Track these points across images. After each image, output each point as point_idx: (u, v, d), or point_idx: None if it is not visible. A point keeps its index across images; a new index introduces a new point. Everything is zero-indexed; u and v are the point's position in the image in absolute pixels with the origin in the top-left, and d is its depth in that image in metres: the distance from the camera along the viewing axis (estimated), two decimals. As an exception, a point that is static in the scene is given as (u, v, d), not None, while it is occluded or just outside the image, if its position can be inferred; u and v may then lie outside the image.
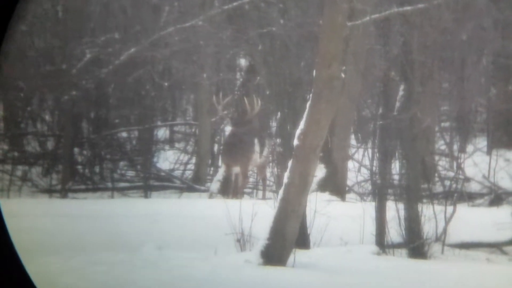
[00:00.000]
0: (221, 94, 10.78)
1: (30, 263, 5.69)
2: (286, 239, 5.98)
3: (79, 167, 12.37)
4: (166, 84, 12.62)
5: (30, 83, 12.79)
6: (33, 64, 12.87)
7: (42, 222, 7.50)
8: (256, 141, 10.67)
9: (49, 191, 11.78)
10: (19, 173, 12.14)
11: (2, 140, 13.03)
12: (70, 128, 12.19)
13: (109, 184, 12.07)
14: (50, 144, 12.92)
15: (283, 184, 6.04)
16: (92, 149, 12.47)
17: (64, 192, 11.64)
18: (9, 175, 11.93)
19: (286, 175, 6.02)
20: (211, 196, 11.23)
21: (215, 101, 10.69)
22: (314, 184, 9.40)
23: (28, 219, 7.50)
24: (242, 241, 6.71)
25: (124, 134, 13.26)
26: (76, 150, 12.46)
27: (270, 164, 10.90)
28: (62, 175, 11.98)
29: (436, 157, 12.37)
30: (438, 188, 10.98)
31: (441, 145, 13.07)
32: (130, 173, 12.72)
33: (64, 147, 12.20)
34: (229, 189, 10.83)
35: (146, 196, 11.81)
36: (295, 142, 5.99)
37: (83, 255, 6.16)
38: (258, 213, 6.63)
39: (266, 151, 10.75)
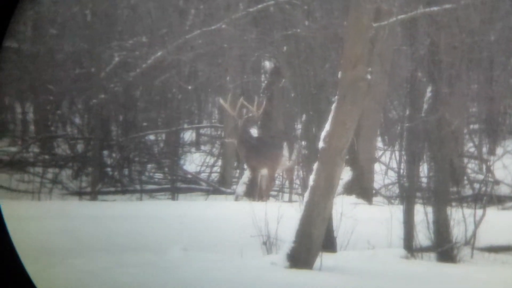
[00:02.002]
0: (229, 96, 10.76)
1: (60, 264, 5.79)
2: (312, 242, 5.94)
3: (108, 169, 12.51)
4: (191, 87, 12.68)
5: (60, 87, 12.99)
6: (63, 68, 13.06)
7: (72, 224, 7.60)
8: (285, 144, 10.66)
9: (79, 193, 11.94)
10: (49, 175, 12.33)
11: (33, 143, 13.25)
12: (99, 131, 12.34)
13: (138, 187, 12.19)
14: (80, 147, 13.11)
15: (309, 187, 6.01)
16: (120, 151, 12.60)
17: (93, 195, 11.78)
18: (40, 177, 12.12)
19: (311, 178, 5.99)
20: (237, 198, 11.25)
21: (224, 104, 10.67)
22: (340, 187, 9.35)
23: (59, 222, 7.61)
24: (268, 244, 6.69)
25: (152, 137, 13.39)
26: (105, 152, 12.61)
27: (297, 167, 10.88)
28: (91, 178, 12.13)
29: (465, 160, 12.20)
30: (467, 191, 10.83)
31: (470, 147, 12.89)
32: (158, 176, 12.82)
33: (94, 149, 12.35)
34: (255, 191, 10.83)
35: (173, 198, 11.89)
36: (321, 144, 5.96)
37: (112, 256, 6.23)
38: (284, 216, 6.61)
39: (294, 155, 10.73)
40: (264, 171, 10.72)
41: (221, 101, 10.91)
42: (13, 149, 13.32)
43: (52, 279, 5.37)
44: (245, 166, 11.27)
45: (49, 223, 7.45)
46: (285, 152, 10.65)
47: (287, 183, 11.37)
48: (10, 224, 7.16)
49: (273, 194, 11.67)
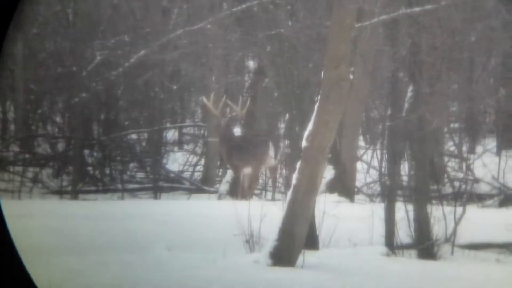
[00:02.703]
0: (212, 95, 10.75)
1: (41, 264, 5.75)
2: (295, 240, 5.99)
3: (90, 168, 12.45)
4: (175, 86, 12.67)
5: (41, 85, 12.89)
6: (44, 67, 12.96)
7: (53, 223, 7.55)
8: (270, 144, 10.68)
9: (60, 192, 11.87)
10: (30, 174, 12.24)
11: (13, 142, 13.14)
12: (81, 130, 12.27)
13: (119, 186, 12.14)
14: (60, 146, 13.03)
15: (292, 185, 6.05)
16: (102, 150, 12.55)
17: (74, 194, 11.72)
18: (20, 176, 12.02)
19: (294, 176, 6.03)
20: (220, 197, 11.26)
21: (208, 103, 10.65)
22: (322, 186, 9.41)
23: (39, 220, 7.56)
24: (251, 242, 6.73)
25: (134, 136, 13.34)
26: (86, 151, 12.54)
27: (280, 166, 10.91)
28: (72, 177, 12.07)
29: (445, 158, 12.33)
30: (447, 189, 10.94)
31: (450, 146, 13.03)
32: (140, 175, 12.79)
33: (75, 148, 12.28)
34: (238, 190, 10.85)
35: (155, 198, 11.87)
36: (303, 143, 6.01)
37: (94, 256, 6.21)
38: (267, 214, 6.65)
39: (279, 154, 10.75)
40: (247, 170, 10.74)
41: (204, 100, 10.90)
42: (-7, 148, 13.21)
43: (33, 277, 5.33)
44: (228, 165, 11.29)
45: (29, 223, 7.39)
46: (271, 151, 10.67)
47: (270, 181, 11.40)
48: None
49: (256, 193, 11.70)
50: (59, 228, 7.33)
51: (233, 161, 10.80)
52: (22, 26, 13.20)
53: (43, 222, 7.49)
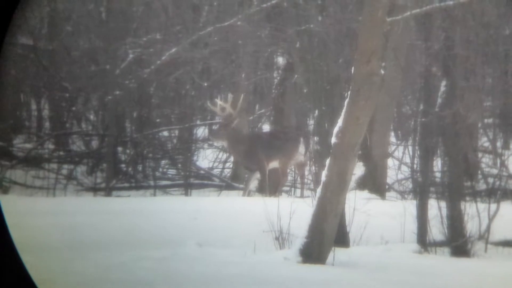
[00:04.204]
0: (221, 94, 10.65)
1: (78, 259, 5.84)
2: (325, 237, 5.94)
3: (123, 165, 12.58)
4: (205, 83, 12.70)
5: (75, 83, 13.08)
6: (78, 65, 13.14)
7: (87, 219, 7.65)
8: (301, 140, 10.62)
9: (94, 189, 12.01)
10: (64, 171, 12.43)
11: (48, 140, 13.36)
12: (114, 127, 12.40)
13: (151, 182, 12.25)
14: (94, 143, 13.20)
15: (321, 182, 6.00)
16: (134, 148, 12.67)
17: (108, 190, 11.84)
18: (55, 173, 12.22)
19: (324, 173, 5.98)
20: (249, 194, 11.26)
21: (219, 101, 10.58)
22: (352, 182, 9.31)
23: (74, 217, 7.67)
24: (281, 239, 6.71)
25: (165, 133, 13.44)
26: (119, 149, 12.68)
27: (309, 162, 10.84)
28: (106, 174, 12.20)
29: (479, 154, 12.12)
30: (481, 185, 10.76)
31: (484, 141, 12.80)
32: (171, 172, 12.88)
33: (108, 146, 12.42)
34: (264, 187, 10.81)
35: (186, 194, 11.94)
36: (333, 140, 5.95)
37: (129, 251, 6.28)
38: (296, 211, 6.62)
39: (309, 150, 10.68)
40: (274, 164, 10.65)
41: (218, 100, 10.72)
42: (29, 145, 13.44)
43: (70, 274, 5.42)
44: (240, 165, 11.16)
45: (64, 219, 7.51)
46: (302, 146, 10.59)
47: (299, 178, 11.34)
48: (26, 220, 7.26)
49: (285, 190, 11.67)
50: (94, 225, 7.42)
51: (261, 156, 10.65)
52: (56, 24, 13.43)
53: (77, 219, 7.60)
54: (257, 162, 10.70)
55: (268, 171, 10.87)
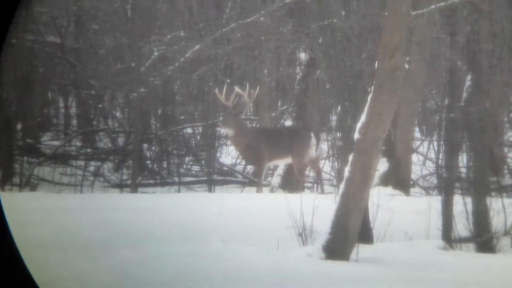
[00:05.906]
0: (225, 87, 10.55)
1: (105, 255, 5.92)
2: (349, 233, 5.92)
3: (148, 162, 12.68)
4: (228, 80, 12.73)
5: (102, 81, 13.22)
6: (104, 63, 13.27)
7: (114, 216, 7.73)
8: (312, 135, 10.50)
9: (120, 185, 12.14)
10: (91, 168, 12.58)
11: (75, 137, 13.53)
12: (139, 124, 12.50)
13: (176, 179, 12.32)
14: (120, 140, 13.33)
15: (344, 178, 5.97)
16: (159, 145, 12.76)
17: (134, 187, 11.95)
18: (82, 170, 12.37)
19: (347, 169, 5.95)
20: (272, 190, 11.25)
21: (220, 95, 10.51)
22: (376, 178, 9.25)
23: (101, 214, 7.75)
24: (304, 235, 6.69)
25: (189, 130, 13.51)
26: (145, 146, 12.78)
27: (324, 158, 10.72)
28: (132, 170, 12.31)
29: (505, 149, 11.93)
30: (507, 180, 10.61)
31: (510, 136, 12.60)
32: (195, 168, 12.94)
33: (134, 143, 12.53)
34: (291, 183, 10.76)
35: (210, 190, 11.99)
36: (356, 135, 5.92)
37: (154, 247, 6.33)
38: (319, 207, 6.60)
39: (320, 146, 10.56)
40: (287, 160, 10.55)
41: (216, 93, 10.68)
42: (56, 142, 13.63)
43: (98, 270, 5.49)
44: (244, 159, 11.06)
45: (91, 215, 7.60)
46: (313, 142, 10.44)
47: (316, 174, 11.23)
48: (54, 217, 7.36)
49: (308, 186, 11.63)
50: (120, 221, 7.50)
51: (271, 152, 10.53)
52: (82, 22, 13.58)
53: (104, 215, 7.68)
54: (256, 158, 10.55)
55: (287, 168, 10.82)
